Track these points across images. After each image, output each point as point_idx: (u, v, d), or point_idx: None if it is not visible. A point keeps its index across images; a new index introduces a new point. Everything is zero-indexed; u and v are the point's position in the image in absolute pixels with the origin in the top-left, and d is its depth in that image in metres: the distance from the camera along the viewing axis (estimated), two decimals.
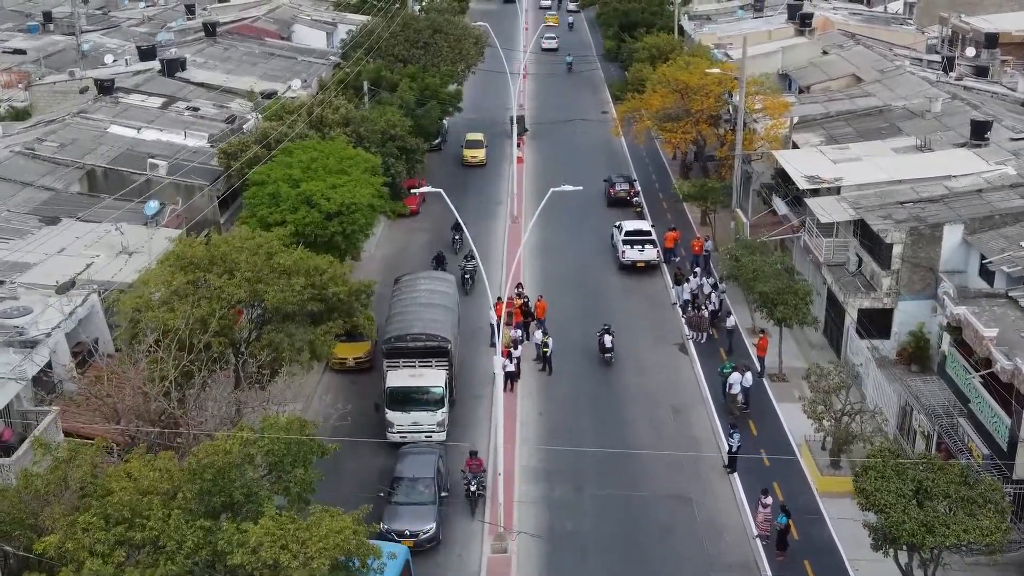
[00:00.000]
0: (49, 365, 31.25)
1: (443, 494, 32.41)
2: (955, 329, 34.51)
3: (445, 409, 36.47)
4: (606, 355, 44.38)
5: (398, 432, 36.13)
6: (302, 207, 41.67)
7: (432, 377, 36.74)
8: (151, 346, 29.63)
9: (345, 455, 35.38)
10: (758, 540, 32.35)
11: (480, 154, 70.18)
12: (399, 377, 36.76)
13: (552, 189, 35.19)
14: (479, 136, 71.99)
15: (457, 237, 54.22)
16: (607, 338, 44.36)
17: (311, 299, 32.39)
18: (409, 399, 36.20)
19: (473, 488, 33.28)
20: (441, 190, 34.22)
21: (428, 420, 36.12)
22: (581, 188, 36.87)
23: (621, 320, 47.85)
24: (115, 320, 33.41)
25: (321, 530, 19.92)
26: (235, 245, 32.86)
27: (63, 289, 34.09)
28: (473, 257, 47.19)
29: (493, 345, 38.82)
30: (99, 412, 26.96)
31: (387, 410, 36.23)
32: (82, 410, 28.03)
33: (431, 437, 36.00)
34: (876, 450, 29.23)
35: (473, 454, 33.99)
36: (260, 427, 22.93)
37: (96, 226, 40.70)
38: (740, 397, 39.52)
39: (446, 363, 37.50)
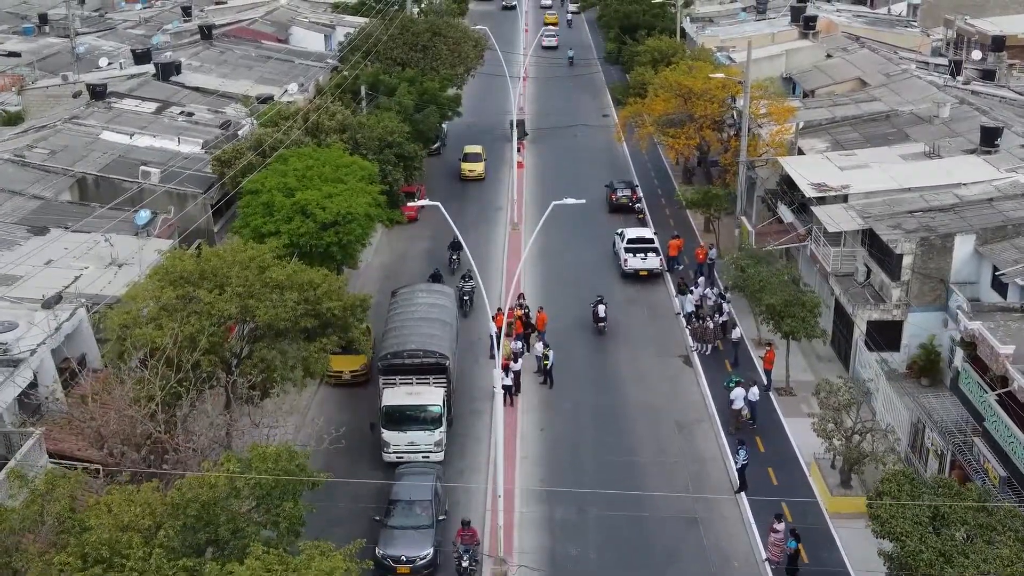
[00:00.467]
0: (34, 383, 30.23)
1: (440, 517, 31.24)
2: (969, 345, 33.50)
3: (443, 428, 35.35)
4: (599, 324, 46.38)
5: (394, 452, 35.03)
6: (297, 217, 40.57)
7: (429, 395, 35.60)
8: (138, 365, 28.59)
9: (340, 473, 34.48)
10: (767, 564, 31.30)
11: (479, 168, 67.34)
12: (395, 395, 35.63)
13: (554, 203, 34.14)
14: (477, 149, 69.13)
15: (455, 257, 52.16)
16: (600, 308, 46.38)
17: (304, 315, 31.34)
18: (406, 418, 35.04)
19: (465, 563, 30.13)
20: (439, 204, 33.11)
21: (425, 440, 34.98)
22: (584, 202, 35.71)
23: (624, 331, 46.91)
24: (103, 335, 32.35)
25: (310, 572, 18.83)
26: (226, 259, 31.78)
27: (49, 304, 33.04)
28: (471, 277, 45.81)
29: (493, 357, 37.77)
30: (83, 435, 25.87)
31: (383, 429, 35.15)
32: (66, 432, 26.95)
33: (428, 457, 34.88)
34: (890, 474, 28.16)
35: (465, 524, 30.95)
36: (248, 456, 21.80)
37: (85, 237, 39.63)
38: (745, 412, 38.46)
39: (444, 380, 36.39)
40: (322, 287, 32.09)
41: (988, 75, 67.33)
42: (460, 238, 34.06)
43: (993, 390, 31.51)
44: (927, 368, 38.58)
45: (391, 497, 31.63)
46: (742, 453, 35.06)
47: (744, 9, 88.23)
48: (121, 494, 20.26)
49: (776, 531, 31.23)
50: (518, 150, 68.18)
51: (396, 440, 34.95)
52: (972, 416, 33.39)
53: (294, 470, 21.77)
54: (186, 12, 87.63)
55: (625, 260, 52.15)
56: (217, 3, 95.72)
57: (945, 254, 38.95)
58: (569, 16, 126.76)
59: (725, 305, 46.27)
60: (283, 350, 31.05)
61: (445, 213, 32.87)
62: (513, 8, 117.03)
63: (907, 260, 38.95)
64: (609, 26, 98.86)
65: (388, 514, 31.09)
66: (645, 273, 51.96)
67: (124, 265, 37.70)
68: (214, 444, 25.69)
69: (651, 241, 52.98)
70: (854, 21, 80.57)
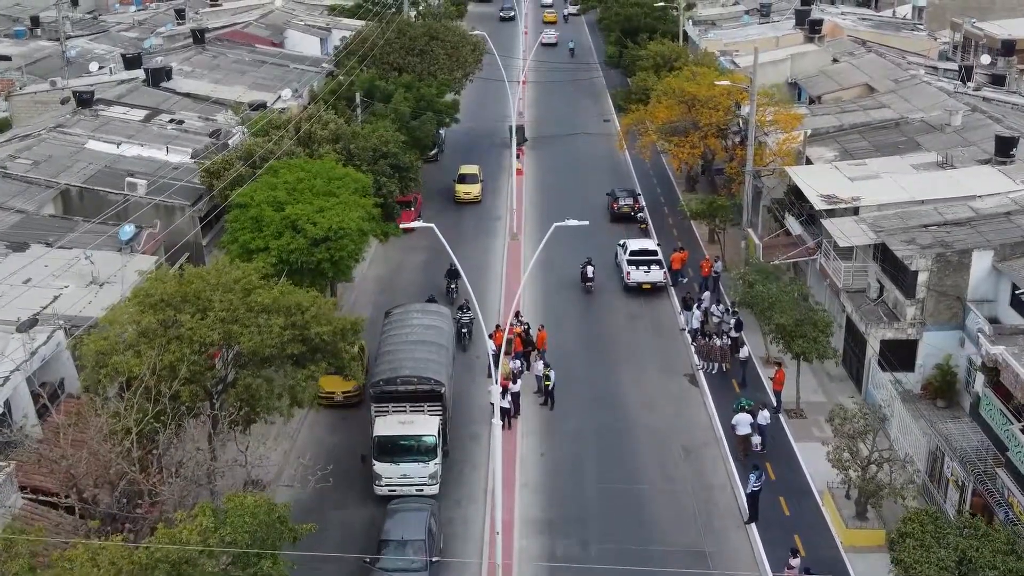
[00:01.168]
0: (6, 414, 28.62)
1: (435, 558, 29.41)
2: (991, 370, 31.88)
3: (438, 460, 33.49)
4: (587, 283, 50.02)
5: (386, 486, 33.20)
6: (287, 232, 38.93)
7: (424, 425, 33.80)
8: (116, 395, 27.01)
9: (330, 506, 32.96)
10: None
11: (474, 190, 63.24)
12: (388, 425, 33.82)
13: (556, 224, 32.55)
14: (473, 169, 65.05)
15: (452, 286, 49.33)
16: (589, 268, 50.00)
17: (291, 340, 29.67)
18: (398, 449, 33.21)
19: None
20: (433, 225, 31.44)
21: (419, 472, 33.13)
22: (587, 223, 34.15)
23: (626, 348, 45.36)
24: (80, 362, 30.71)
25: None
26: (209, 281, 30.11)
27: (24, 327, 31.41)
28: (469, 308, 43.84)
29: (491, 376, 36.03)
30: (53, 475, 24.26)
31: (374, 461, 33.39)
32: (36, 470, 25.36)
33: (423, 491, 33.04)
34: (913, 513, 26.55)
35: None
36: (224, 507, 20.14)
37: (67, 253, 38.03)
38: (756, 440, 36.71)
39: (439, 408, 34.64)
40: (310, 311, 30.42)
41: (997, 80, 65.68)
42: (458, 265, 32.30)
43: (1018, 420, 29.90)
44: (943, 389, 37.05)
45: (381, 536, 29.76)
46: (752, 478, 33.35)
47: (747, 12, 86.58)
48: (85, 552, 18.60)
49: (791, 567, 29.69)
50: (517, 156, 66.52)
51: (388, 472, 33.09)
52: (994, 444, 31.79)
53: (274, 523, 20.15)
54: (180, 15, 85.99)
55: (627, 273, 50.52)
56: (212, 5, 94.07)
57: (962, 271, 37.37)
58: (566, 13, 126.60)
59: (733, 320, 44.53)
60: (269, 378, 29.42)
61: (442, 238, 31.11)
62: (512, 19, 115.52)
63: (922, 277, 37.38)
64: (610, 29, 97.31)
65: (378, 554, 29.29)
66: (648, 287, 50.33)
67: (106, 284, 36.13)
68: (193, 485, 24.03)
69: (654, 253, 51.36)
70: (859, 24, 78.92)
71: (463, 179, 64.03)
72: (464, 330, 44.28)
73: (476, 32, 75.51)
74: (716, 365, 42.70)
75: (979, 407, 33.21)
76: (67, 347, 31.41)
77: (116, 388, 28.79)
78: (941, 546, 24.87)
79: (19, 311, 32.75)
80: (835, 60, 67.56)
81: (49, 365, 31.57)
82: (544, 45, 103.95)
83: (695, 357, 43.61)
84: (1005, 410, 30.89)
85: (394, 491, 32.91)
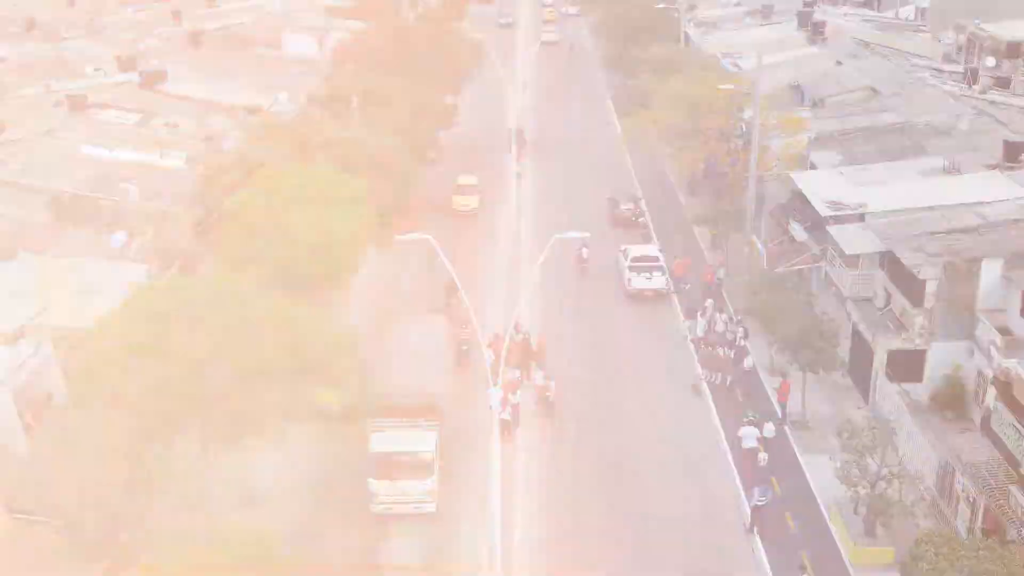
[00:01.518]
0: None
1: None
2: (1003, 384, 31.09)
3: (435, 477, 32.70)
4: (582, 266, 52.01)
5: (383, 504, 32.38)
6: (281, 241, 38.05)
7: (420, 440, 32.97)
8: (104, 410, 26.18)
9: (324, 524, 32.13)
10: None
11: (472, 201, 61.42)
12: (383, 440, 33.01)
13: (555, 236, 31.81)
14: (472, 180, 63.04)
15: (452, 301, 47.10)
16: (584, 251, 52.01)
17: (284, 354, 28.82)
18: (395, 465, 32.31)
19: None
20: (431, 237, 30.70)
21: (416, 489, 32.30)
22: (588, 235, 33.40)
23: (628, 357, 44.57)
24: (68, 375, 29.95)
25: None
26: (200, 293, 29.29)
27: (11, 339, 30.65)
28: (468, 324, 42.92)
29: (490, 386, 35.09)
30: (38, 495, 23.46)
31: (370, 479, 32.44)
32: (21, 489, 24.55)
33: (420, 508, 32.22)
34: (925, 534, 25.77)
35: None
36: (213, 536, 19.34)
37: (57, 261, 37.27)
38: (763, 456, 35.81)
39: (436, 423, 33.77)
40: (305, 323, 29.59)
41: (1002, 83, 64.84)
42: (457, 281, 31.50)
43: None
44: (952, 400, 36.21)
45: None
46: (757, 492, 32.60)
47: (749, 14, 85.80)
48: None
49: None
50: (517, 160, 65.68)
51: (385, 490, 32.28)
52: (1006, 460, 30.98)
53: (264, 553, 19.35)
54: (176, 16, 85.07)
55: (629, 280, 49.73)
56: (209, 6, 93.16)
57: (971, 280, 36.56)
58: (564, 12, 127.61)
59: (739, 329, 43.76)
60: (261, 393, 28.56)
61: (440, 252, 30.34)
62: (511, 25, 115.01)
63: (931, 286, 36.58)
64: (611, 31, 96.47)
65: None
66: (650, 294, 49.54)
67: (96, 293, 35.32)
68: (183, 505, 23.22)
69: (656, 259, 50.58)
70: (862, 26, 78.14)
71: (460, 190, 62.44)
72: (463, 347, 43.19)
73: (475, 34, 74.76)
74: (720, 375, 41.90)
75: (991, 421, 32.40)
76: (55, 359, 30.60)
77: (105, 403, 27.97)
78: (955, 569, 24.10)
79: (6, 321, 31.99)
80: (838, 62, 66.74)
81: (36, 378, 30.79)
82: (544, 44, 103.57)
83: (698, 367, 42.83)
84: (1018, 424, 30.11)
85: (390, 509, 32.05)
